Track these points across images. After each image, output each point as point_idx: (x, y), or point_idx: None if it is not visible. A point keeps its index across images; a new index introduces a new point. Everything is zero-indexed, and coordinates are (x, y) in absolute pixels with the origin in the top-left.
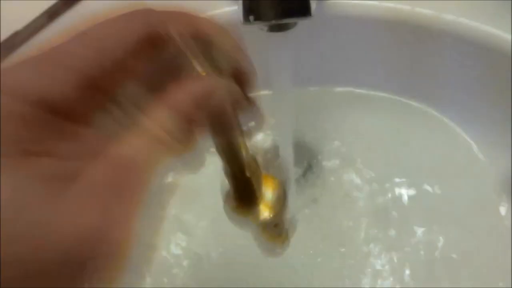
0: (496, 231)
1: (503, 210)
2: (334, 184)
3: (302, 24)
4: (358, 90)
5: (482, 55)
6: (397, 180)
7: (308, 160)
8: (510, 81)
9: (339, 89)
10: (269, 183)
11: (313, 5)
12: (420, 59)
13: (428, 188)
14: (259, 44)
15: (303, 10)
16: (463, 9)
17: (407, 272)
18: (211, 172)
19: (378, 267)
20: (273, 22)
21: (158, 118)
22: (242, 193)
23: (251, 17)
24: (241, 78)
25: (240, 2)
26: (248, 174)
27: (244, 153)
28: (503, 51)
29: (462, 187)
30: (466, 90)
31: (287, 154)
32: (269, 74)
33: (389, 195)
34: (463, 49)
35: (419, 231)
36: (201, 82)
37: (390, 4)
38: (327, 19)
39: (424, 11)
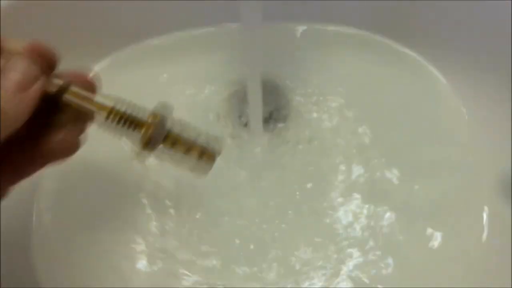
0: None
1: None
2: (302, 125)
3: None
4: (336, 28)
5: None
6: (371, 122)
7: (276, 100)
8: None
9: (318, 26)
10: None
11: None
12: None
13: (400, 126)
14: None
15: None
16: None
17: (371, 210)
18: None
19: (346, 211)
20: None
21: None
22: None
23: None
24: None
25: None
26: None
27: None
28: None
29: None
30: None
31: (255, 91)
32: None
33: (363, 137)
34: None
35: (392, 175)
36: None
37: None
38: None
39: None
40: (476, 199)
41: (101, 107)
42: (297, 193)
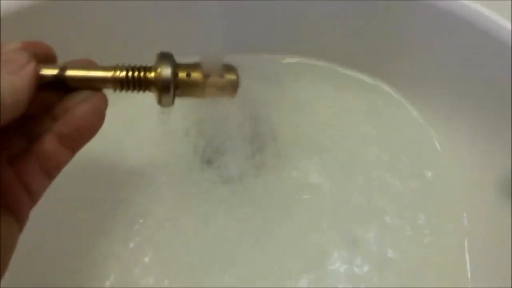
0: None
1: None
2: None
3: None
4: (309, 61)
5: (455, 26)
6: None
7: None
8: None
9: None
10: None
11: None
12: (381, 27)
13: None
14: None
15: None
16: None
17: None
18: None
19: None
20: None
21: None
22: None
23: None
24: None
25: None
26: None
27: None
28: (475, 23)
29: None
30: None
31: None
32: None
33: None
34: (432, 17)
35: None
36: None
37: None
38: None
39: None
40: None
41: (105, 78)
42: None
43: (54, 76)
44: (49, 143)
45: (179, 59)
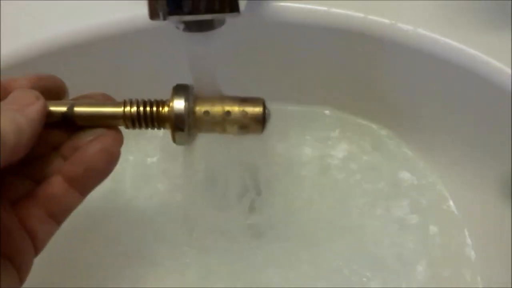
0: None
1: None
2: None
3: (230, 24)
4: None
5: (441, 69)
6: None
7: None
8: (473, 97)
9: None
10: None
11: (243, 1)
12: (372, 72)
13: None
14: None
15: (229, 4)
16: (422, 19)
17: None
18: None
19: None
20: (189, 18)
21: None
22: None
23: (161, 12)
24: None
25: None
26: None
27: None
28: (463, 65)
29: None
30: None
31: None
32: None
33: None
34: (420, 62)
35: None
36: None
37: (341, 11)
38: (264, 22)
39: (379, 19)
40: None
41: (115, 114)
42: None
43: (62, 114)
44: (56, 186)
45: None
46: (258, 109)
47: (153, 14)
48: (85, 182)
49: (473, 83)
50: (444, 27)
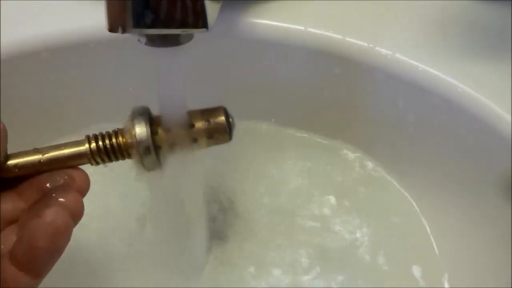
0: None
1: None
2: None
3: (200, 39)
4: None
5: (418, 96)
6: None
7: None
8: (446, 126)
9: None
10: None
11: (212, 16)
12: (347, 96)
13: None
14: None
15: (196, 19)
16: (400, 44)
17: None
18: None
19: None
20: (150, 31)
21: None
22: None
23: (119, 26)
24: None
25: (104, 3)
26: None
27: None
28: (441, 93)
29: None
30: (399, 135)
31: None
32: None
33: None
34: (397, 88)
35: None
36: None
37: (318, 31)
38: (238, 39)
39: (357, 42)
40: None
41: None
42: None
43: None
44: (4, 270)
45: None
46: (220, 118)
47: (112, 27)
48: (34, 263)
49: (453, 112)
50: (423, 53)
